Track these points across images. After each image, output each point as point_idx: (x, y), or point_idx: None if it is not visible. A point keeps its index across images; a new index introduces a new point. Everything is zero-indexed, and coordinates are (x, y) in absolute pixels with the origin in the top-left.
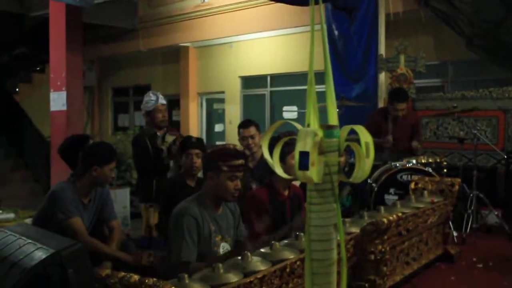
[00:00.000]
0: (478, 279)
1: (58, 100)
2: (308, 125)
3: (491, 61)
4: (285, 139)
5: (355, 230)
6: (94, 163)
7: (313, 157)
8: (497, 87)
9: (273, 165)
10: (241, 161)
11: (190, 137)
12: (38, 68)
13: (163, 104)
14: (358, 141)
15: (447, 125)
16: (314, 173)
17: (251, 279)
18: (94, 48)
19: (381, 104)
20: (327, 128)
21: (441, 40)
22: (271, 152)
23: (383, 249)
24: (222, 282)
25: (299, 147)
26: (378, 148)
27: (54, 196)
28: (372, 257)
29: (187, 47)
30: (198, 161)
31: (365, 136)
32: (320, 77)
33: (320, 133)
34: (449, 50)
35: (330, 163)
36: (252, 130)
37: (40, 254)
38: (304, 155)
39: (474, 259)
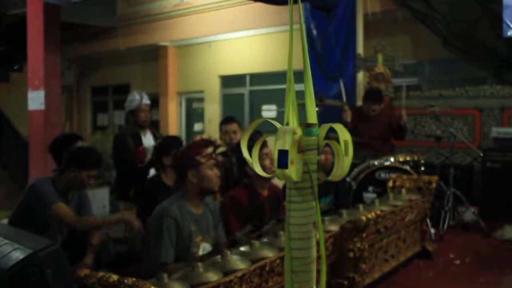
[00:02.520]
0: (455, 275)
1: (36, 100)
2: (287, 124)
3: (467, 60)
4: (261, 139)
5: (334, 228)
6: (73, 164)
7: (292, 155)
8: (473, 86)
9: (252, 164)
10: (212, 148)
11: (175, 137)
12: (16, 67)
13: (146, 104)
14: (337, 139)
15: (424, 124)
16: (293, 171)
17: (231, 278)
18: (73, 47)
19: (359, 103)
20: (306, 126)
21: (418, 40)
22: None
23: (361, 247)
24: (202, 281)
25: (278, 146)
26: (356, 146)
27: (34, 188)
28: (351, 254)
29: (166, 46)
30: None
31: (344, 134)
32: (299, 76)
33: (299, 132)
34: (426, 49)
35: (309, 161)
36: (234, 126)
37: (18, 255)
38: (283, 153)
39: (451, 256)
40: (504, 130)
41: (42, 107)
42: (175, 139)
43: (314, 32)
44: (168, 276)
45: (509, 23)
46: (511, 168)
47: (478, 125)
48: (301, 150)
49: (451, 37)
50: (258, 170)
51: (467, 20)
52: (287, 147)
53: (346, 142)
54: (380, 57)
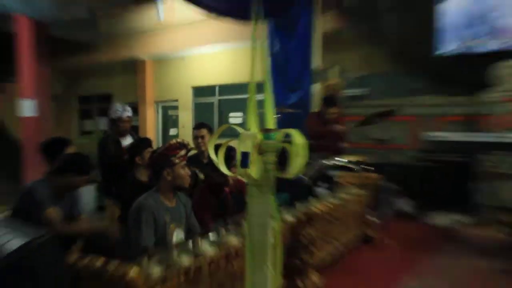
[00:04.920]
0: (392, 255)
1: (28, 107)
2: (249, 129)
3: (409, 73)
4: (226, 143)
5: (291, 217)
6: (72, 170)
7: (253, 156)
8: (411, 96)
9: (218, 164)
10: (185, 150)
11: (145, 138)
12: (10, 79)
13: (128, 116)
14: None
15: (370, 128)
16: (253, 171)
17: (202, 261)
18: (61, 60)
19: (314, 111)
20: (265, 131)
21: (367, 55)
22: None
23: (313, 234)
24: (176, 263)
25: (241, 148)
26: (311, 148)
27: (29, 192)
28: (304, 240)
29: (144, 60)
30: None
31: (298, 138)
32: (262, 87)
33: (259, 136)
34: (374, 63)
35: (268, 162)
36: (203, 131)
37: (17, 242)
38: (245, 155)
39: (389, 240)
40: (437, 134)
41: (34, 114)
42: (145, 141)
43: (277, 47)
44: (148, 260)
45: (441, 43)
46: (442, 166)
47: (414, 129)
48: (261, 152)
49: (396, 53)
50: (224, 169)
51: (409, 39)
52: (248, 149)
53: (300, 145)
54: (334, 70)
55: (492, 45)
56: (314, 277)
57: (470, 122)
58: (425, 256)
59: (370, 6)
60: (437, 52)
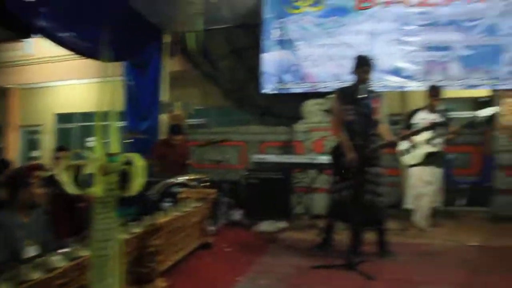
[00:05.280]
0: (227, 258)
1: None
2: (96, 153)
3: (239, 107)
4: (74, 165)
5: (139, 230)
6: None
7: (97, 177)
8: (243, 125)
9: (65, 184)
10: (41, 172)
11: (4, 160)
12: None
13: None
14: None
15: (209, 151)
16: (98, 189)
17: (54, 274)
18: None
19: (162, 137)
20: (109, 155)
21: (207, 92)
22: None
23: (159, 243)
24: (28, 279)
25: (88, 170)
26: (158, 168)
27: None
28: (151, 249)
29: (11, 88)
30: None
31: (138, 161)
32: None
33: (104, 159)
34: (212, 99)
35: (111, 181)
36: (62, 153)
37: None
38: (90, 176)
39: (225, 245)
40: (261, 156)
41: None
42: (3, 162)
43: (131, 81)
44: None
45: (264, 84)
46: (265, 182)
47: (245, 152)
48: (105, 173)
49: (229, 91)
50: (69, 189)
51: (239, 80)
52: (93, 171)
53: (139, 167)
54: (178, 103)
55: (303, 87)
56: (160, 283)
57: (287, 147)
58: (254, 257)
59: (208, 53)
60: (262, 91)
